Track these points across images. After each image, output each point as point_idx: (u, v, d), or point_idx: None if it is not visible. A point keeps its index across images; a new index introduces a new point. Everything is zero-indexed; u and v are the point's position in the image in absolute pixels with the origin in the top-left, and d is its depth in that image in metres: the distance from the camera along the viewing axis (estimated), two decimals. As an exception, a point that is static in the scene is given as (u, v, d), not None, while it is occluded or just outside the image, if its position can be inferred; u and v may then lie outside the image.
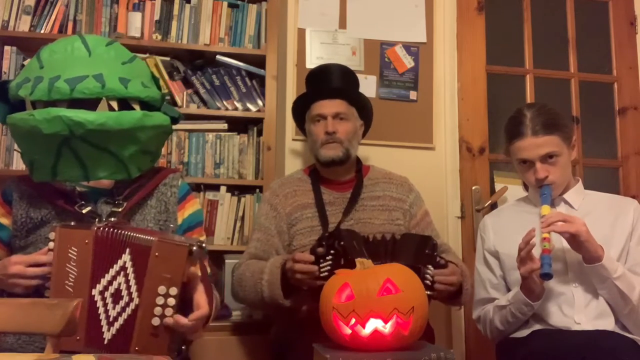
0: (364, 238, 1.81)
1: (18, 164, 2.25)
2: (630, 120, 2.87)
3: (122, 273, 1.39)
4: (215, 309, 1.55)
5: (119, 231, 1.41)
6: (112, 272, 1.39)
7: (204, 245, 1.42)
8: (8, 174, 2.11)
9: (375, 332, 1.44)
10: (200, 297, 1.43)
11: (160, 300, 1.37)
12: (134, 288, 1.39)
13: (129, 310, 1.39)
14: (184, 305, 1.42)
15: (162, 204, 1.65)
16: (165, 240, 1.39)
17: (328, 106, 2.07)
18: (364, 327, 1.44)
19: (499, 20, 2.82)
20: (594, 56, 2.91)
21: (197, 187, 2.34)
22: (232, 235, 2.35)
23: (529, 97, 2.78)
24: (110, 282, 1.39)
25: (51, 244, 1.40)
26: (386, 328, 1.44)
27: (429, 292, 1.70)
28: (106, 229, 1.40)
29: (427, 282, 1.73)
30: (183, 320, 1.38)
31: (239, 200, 2.37)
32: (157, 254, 1.38)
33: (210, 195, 2.36)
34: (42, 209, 1.56)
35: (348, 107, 2.10)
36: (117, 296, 1.39)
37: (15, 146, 2.24)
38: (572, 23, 2.88)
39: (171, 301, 1.37)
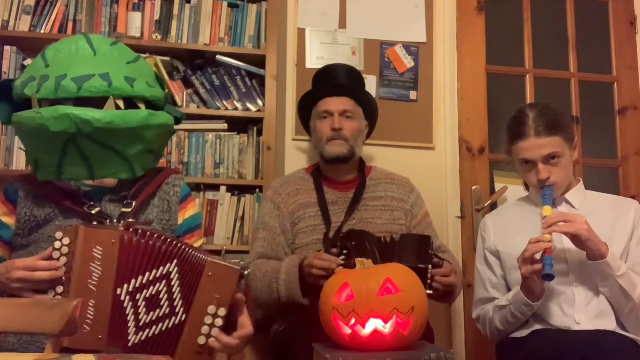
0: (377, 239, 1.82)
1: (18, 164, 2.25)
2: (630, 120, 2.87)
3: (164, 282, 1.38)
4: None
5: (166, 239, 1.40)
6: (149, 276, 1.38)
7: (249, 271, 1.44)
8: (8, 174, 2.11)
9: (375, 332, 1.44)
10: (245, 319, 1.46)
11: (208, 320, 1.38)
12: (179, 302, 1.38)
13: (169, 323, 1.38)
14: (228, 326, 1.43)
15: (165, 203, 1.65)
16: (219, 261, 1.40)
17: (336, 103, 2.09)
18: (364, 327, 1.44)
19: (499, 20, 2.82)
20: (594, 56, 2.91)
21: (197, 187, 2.34)
22: (232, 235, 2.35)
23: (529, 97, 2.78)
24: (145, 286, 1.38)
25: (57, 244, 1.39)
26: (386, 328, 1.44)
27: (429, 292, 1.71)
28: (136, 230, 1.40)
29: (428, 282, 1.73)
30: (227, 338, 1.40)
31: (239, 200, 2.37)
32: (210, 273, 1.39)
33: (210, 195, 2.36)
34: (46, 207, 1.56)
35: (355, 106, 2.12)
36: (153, 303, 1.38)
37: (17, 146, 2.25)
38: (572, 23, 2.88)
39: (219, 322, 1.39)
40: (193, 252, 1.41)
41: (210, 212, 2.34)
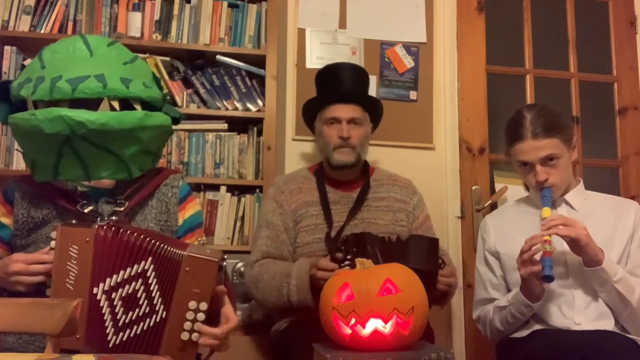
0: (380, 239, 1.81)
1: (18, 164, 2.25)
2: (630, 120, 2.87)
3: (140, 280, 1.37)
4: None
5: (140, 235, 1.39)
6: (123, 274, 1.37)
7: (225, 257, 1.43)
8: (8, 174, 2.11)
9: (375, 332, 1.44)
10: (228, 309, 1.45)
11: (190, 315, 1.37)
12: (158, 300, 1.38)
13: (150, 322, 1.37)
14: (210, 318, 1.42)
15: (162, 204, 1.65)
16: (196, 255, 1.39)
17: (344, 111, 2.06)
18: (364, 327, 1.44)
19: (499, 20, 2.82)
20: (594, 56, 2.91)
21: (197, 187, 2.34)
22: (232, 235, 2.35)
23: (529, 97, 2.78)
24: (120, 284, 1.37)
25: (53, 243, 1.40)
26: (386, 328, 1.44)
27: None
28: (110, 228, 1.39)
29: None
30: (215, 330, 1.39)
31: (239, 200, 2.37)
32: (187, 268, 1.37)
33: (210, 195, 2.36)
34: (44, 208, 1.55)
35: (362, 112, 2.10)
36: (131, 302, 1.37)
37: (17, 146, 2.25)
38: (572, 23, 2.88)
39: (201, 316, 1.38)
40: (168, 248, 1.39)
41: (210, 212, 2.34)
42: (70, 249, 1.37)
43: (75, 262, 1.37)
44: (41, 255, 1.43)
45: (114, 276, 1.37)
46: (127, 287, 1.37)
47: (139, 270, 1.38)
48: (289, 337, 1.92)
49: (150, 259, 1.38)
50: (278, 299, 1.88)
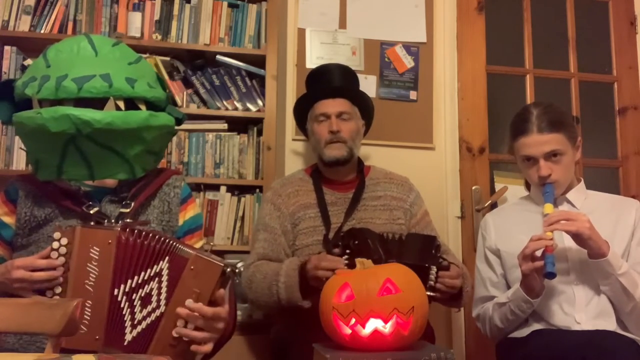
0: (379, 235, 1.81)
1: (18, 164, 2.25)
2: (630, 120, 2.87)
3: (156, 279, 1.39)
4: (233, 329, 1.58)
5: (160, 237, 1.40)
6: (144, 275, 1.38)
7: (236, 270, 1.43)
8: (8, 174, 2.11)
9: (375, 332, 1.44)
10: (221, 309, 1.42)
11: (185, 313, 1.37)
12: (163, 295, 1.39)
13: (153, 316, 1.38)
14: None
15: (165, 204, 1.65)
16: (203, 255, 1.39)
17: (332, 105, 2.08)
18: (364, 327, 1.44)
19: (499, 20, 2.82)
20: (594, 56, 2.91)
21: (197, 187, 2.34)
22: (232, 235, 2.35)
23: (529, 97, 2.78)
24: (141, 285, 1.38)
25: (55, 244, 1.39)
26: (386, 328, 1.44)
27: (431, 293, 1.70)
28: (132, 230, 1.40)
29: (431, 282, 1.73)
30: (205, 309, 1.36)
31: (239, 200, 2.37)
32: (192, 267, 1.38)
33: (210, 195, 2.36)
34: (46, 207, 1.56)
35: (351, 106, 2.11)
36: (146, 300, 1.38)
37: (17, 146, 2.25)
38: (572, 23, 2.88)
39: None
40: (181, 247, 1.41)
41: (210, 212, 2.34)
42: (91, 250, 1.38)
43: (96, 263, 1.38)
44: (41, 261, 1.41)
45: (135, 277, 1.39)
46: (146, 287, 1.39)
47: (157, 270, 1.39)
48: (289, 337, 1.92)
49: (167, 257, 1.40)
50: (269, 297, 1.87)
